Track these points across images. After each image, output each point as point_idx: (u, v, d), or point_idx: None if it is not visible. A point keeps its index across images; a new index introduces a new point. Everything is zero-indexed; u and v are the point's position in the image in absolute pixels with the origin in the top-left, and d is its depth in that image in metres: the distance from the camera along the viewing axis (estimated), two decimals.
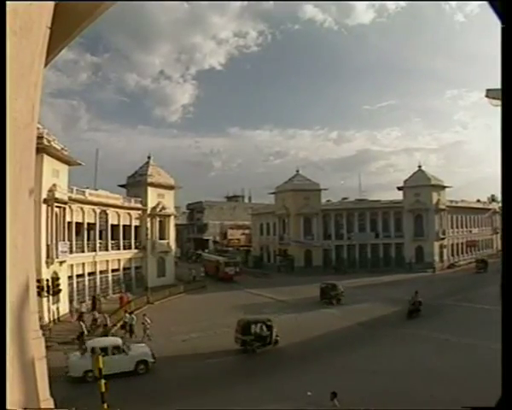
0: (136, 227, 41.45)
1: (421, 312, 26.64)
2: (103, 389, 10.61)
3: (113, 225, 38.02)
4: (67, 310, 28.23)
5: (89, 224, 34.61)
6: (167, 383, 16.48)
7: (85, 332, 21.25)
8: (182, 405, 12.98)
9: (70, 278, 31.12)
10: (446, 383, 14.64)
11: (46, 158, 26.15)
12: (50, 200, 27.10)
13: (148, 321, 23.34)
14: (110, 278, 37.00)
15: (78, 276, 32.54)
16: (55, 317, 26.16)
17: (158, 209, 43.09)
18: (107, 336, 22.35)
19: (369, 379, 15.80)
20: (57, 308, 26.39)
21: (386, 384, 15.07)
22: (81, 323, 21.57)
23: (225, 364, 18.74)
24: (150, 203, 42.59)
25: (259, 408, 11.75)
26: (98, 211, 35.82)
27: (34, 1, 2.59)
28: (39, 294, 20.27)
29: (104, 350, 16.79)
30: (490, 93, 7.94)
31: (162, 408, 14.09)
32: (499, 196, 67.44)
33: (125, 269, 39.37)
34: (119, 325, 24.91)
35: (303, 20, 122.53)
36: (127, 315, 24.47)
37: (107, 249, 36.92)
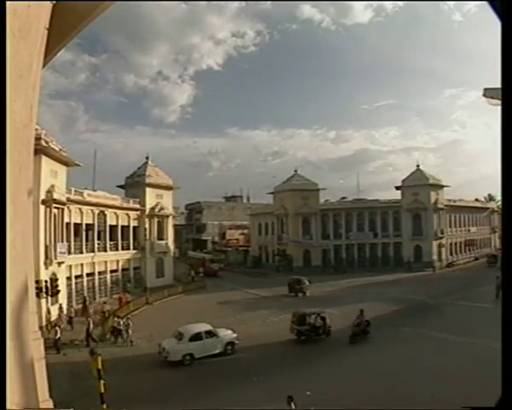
0: (134, 228, 41.42)
1: (369, 334, 21.76)
2: (102, 390, 10.58)
3: (111, 226, 38.01)
4: (65, 311, 28.07)
5: (87, 225, 34.59)
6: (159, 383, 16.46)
7: (60, 337, 20.91)
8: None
9: (68, 279, 31.08)
10: (446, 383, 14.66)
11: (44, 159, 26.10)
12: (49, 201, 27.05)
13: (131, 325, 22.94)
14: (109, 279, 36.98)
15: (76, 277, 32.50)
16: (52, 319, 26.00)
17: (156, 210, 43.09)
18: (92, 339, 22.08)
19: (368, 379, 15.82)
20: (49, 311, 26.03)
21: (384, 384, 15.08)
22: (56, 328, 21.26)
23: (225, 364, 18.71)
24: (149, 204, 42.58)
25: (261, 408, 11.77)
26: (97, 212, 35.81)
27: (33, 1, 2.59)
28: (38, 295, 20.17)
29: (198, 335, 19.39)
30: (488, 92, 7.96)
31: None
32: (497, 196, 67.83)
33: (123, 270, 39.36)
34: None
35: (301, 20, 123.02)
36: (115, 319, 23.96)
37: (105, 250, 36.89)
